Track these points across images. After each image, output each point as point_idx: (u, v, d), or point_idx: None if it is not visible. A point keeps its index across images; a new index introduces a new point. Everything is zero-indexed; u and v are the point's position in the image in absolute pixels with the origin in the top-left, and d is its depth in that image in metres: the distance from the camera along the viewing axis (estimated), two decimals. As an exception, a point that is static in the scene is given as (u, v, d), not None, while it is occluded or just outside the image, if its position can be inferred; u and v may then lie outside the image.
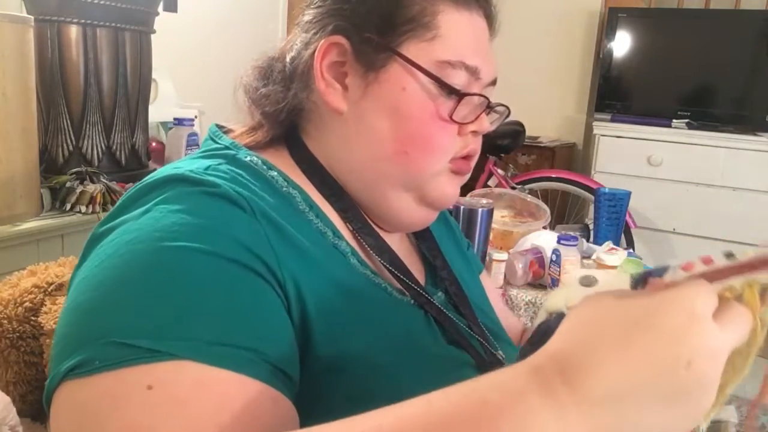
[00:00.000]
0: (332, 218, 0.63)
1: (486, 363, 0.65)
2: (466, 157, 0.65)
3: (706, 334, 0.36)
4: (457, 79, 0.61)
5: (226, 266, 0.47)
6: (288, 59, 0.65)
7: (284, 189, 0.60)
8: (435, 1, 0.61)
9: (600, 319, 0.37)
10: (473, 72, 0.62)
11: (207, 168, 0.56)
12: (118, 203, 0.55)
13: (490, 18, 0.66)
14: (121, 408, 0.41)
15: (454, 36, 0.61)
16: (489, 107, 0.65)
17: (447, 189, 0.65)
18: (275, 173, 0.60)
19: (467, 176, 0.67)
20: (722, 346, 0.36)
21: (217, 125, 0.67)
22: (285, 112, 0.64)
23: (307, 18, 0.65)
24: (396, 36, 0.61)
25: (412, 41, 0.61)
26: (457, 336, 0.64)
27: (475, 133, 0.65)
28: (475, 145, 0.65)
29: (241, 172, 0.57)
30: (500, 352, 0.68)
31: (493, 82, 0.66)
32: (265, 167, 0.60)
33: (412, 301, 0.63)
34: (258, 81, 0.67)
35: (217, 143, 0.63)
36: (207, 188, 0.52)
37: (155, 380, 0.41)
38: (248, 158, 0.60)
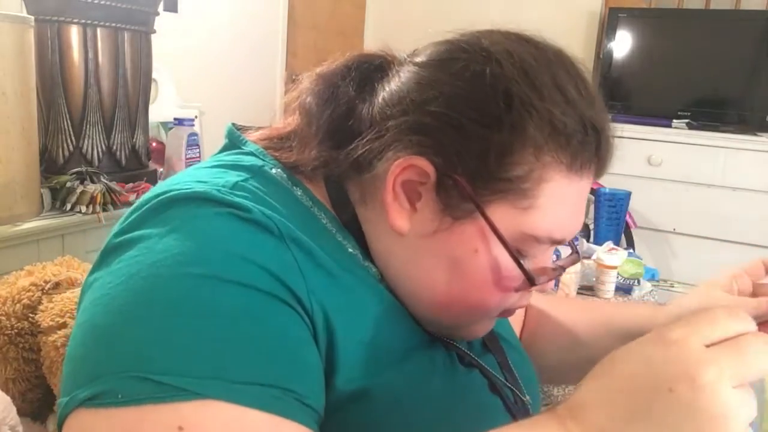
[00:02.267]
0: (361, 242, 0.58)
1: (513, 405, 0.62)
2: (515, 308, 0.60)
3: (685, 362, 0.38)
4: (538, 249, 0.55)
5: (254, 297, 0.45)
6: (360, 127, 0.56)
7: (311, 208, 0.56)
8: (545, 166, 0.52)
9: (610, 373, 0.42)
10: (556, 242, 0.56)
11: (234, 186, 0.52)
12: (136, 212, 0.51)
13: (602, 171, 0.57)
14: None
15: (552, 210, 0.53)
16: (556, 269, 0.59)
17: (479, 332, 0.61)
18: (300, 192, 0.57)
19: None
20: (705, 374, 0.38)
21: (234, 125, 0.63)
22: (325, 168, 0.58)
23: (397, 91, 0.55)
24: (488, 192, 0.52)
25: (503, 204, 0.52)
26: (471, 363, 0.61)
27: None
28: (528, 299, 0.60)
29: (266, 189, 0.54)
30: (528, 397, 0.65)
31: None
32: (290, 183, 0.56)
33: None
34: (318, 112, 0.59)
35: (241, 148, 0.60)
36: (236, 211, 0.48)
37: (185, 421, 0.40)
38: (274, 170, 0.57)
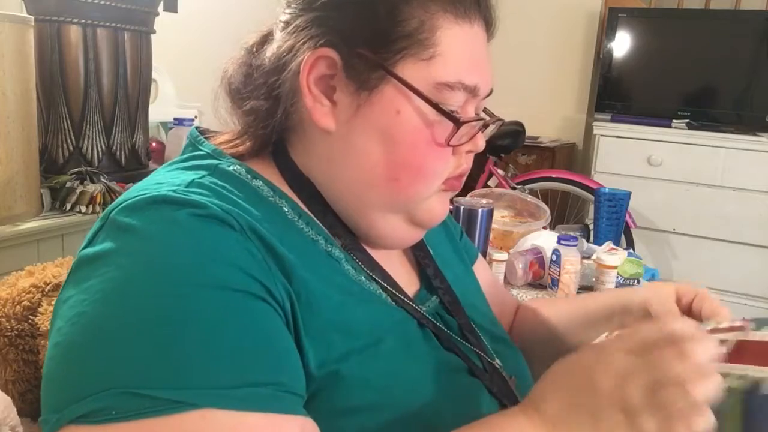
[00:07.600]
0: (323, 226, 0.60)
1: (481, 370, 0.64)
2: (459, 175, 0.62)
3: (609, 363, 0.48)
4: (455, 99, 0.57)
5: (229, 298, 0.46)
6: (269, 64, 0.60)
7: (270, 198, 0.57)
8: (434, 15, 0.56)
9: (560, 372, 0.52)
10: (471, 90, 0.58)
11: (190, 183, 0.53)
12: (100, 223, 0.51)
13: (489, 24, 0.61)
14: None
15: (454, 54, 0.57)
16: (485, 126, 0.61)
17: (437, 209, 0.62)
18: (260, 182, 0.58)
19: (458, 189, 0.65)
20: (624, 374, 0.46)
21: (197, 129, 0.64)
22: (272, 129, 0.60)
23: (286, 18, 0.60)
24: (391, 54, 0.55)
25: (408, 60, 0.56)
26: (449, 344, 0.63)
27: (469, 151, 0.62)
28: (469, 163, 0.63)
29: (224, 184, 0.54)
30: (497, 360, 0.67)
31: (489, 93, 0.62)
32: (249, 176, 0.58)
33: (405, 311, 0.62)
34: (241, 86, 0.63)
35: (200, 150, 0.61)
36: (194, 209, 0.49)
37: None
38: (232, 167, 0.57)
